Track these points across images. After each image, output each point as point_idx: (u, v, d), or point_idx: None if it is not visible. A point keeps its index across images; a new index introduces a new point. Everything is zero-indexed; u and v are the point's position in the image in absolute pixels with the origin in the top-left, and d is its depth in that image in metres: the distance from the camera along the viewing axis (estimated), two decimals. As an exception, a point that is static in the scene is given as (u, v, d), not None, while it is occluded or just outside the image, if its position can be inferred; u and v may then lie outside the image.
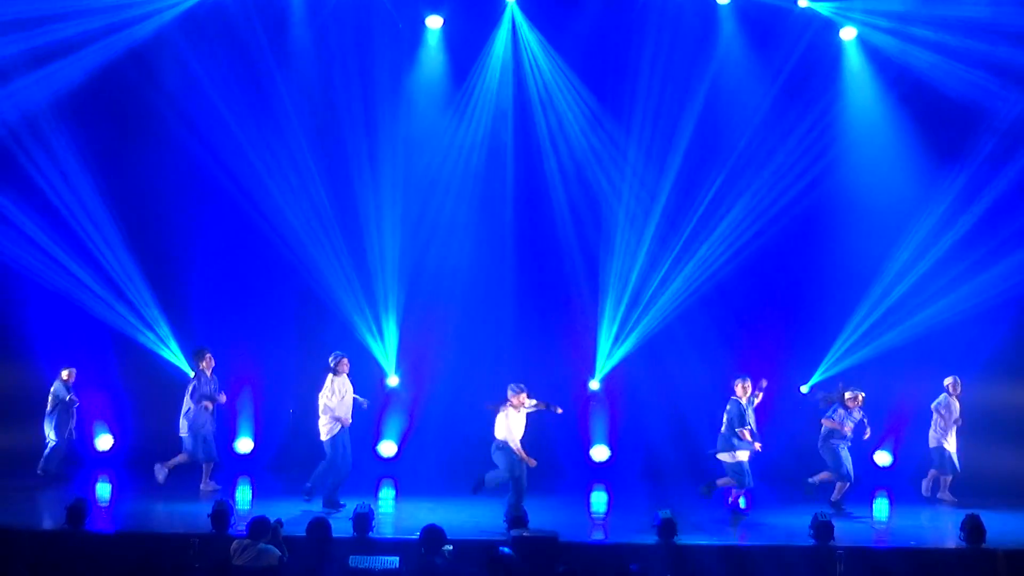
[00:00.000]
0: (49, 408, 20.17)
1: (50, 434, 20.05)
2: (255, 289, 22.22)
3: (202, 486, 19.11)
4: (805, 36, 21.86)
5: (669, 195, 22.09)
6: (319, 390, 18.52)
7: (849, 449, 18.94)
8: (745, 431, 17.99)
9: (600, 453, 22.40)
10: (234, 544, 13.46)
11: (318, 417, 18.21)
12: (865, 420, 19.12)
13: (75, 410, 20.46)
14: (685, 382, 20.73)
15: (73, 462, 20.74)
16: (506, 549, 12.82)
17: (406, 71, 22.27)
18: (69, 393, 20.27)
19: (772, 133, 22.11)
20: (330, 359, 18.36)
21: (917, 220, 21.73)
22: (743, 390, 18.15)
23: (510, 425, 17.32)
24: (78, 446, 21.19)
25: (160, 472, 19.02)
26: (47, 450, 19.98)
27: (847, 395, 19.01)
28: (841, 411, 18.90)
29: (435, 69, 22.42)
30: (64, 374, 20.36)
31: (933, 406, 19.85)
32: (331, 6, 21.67)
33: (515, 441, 17.29)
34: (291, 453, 21.54)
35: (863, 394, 19.09)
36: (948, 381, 19.87)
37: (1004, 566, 14.66)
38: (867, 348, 21.65)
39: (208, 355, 19.60)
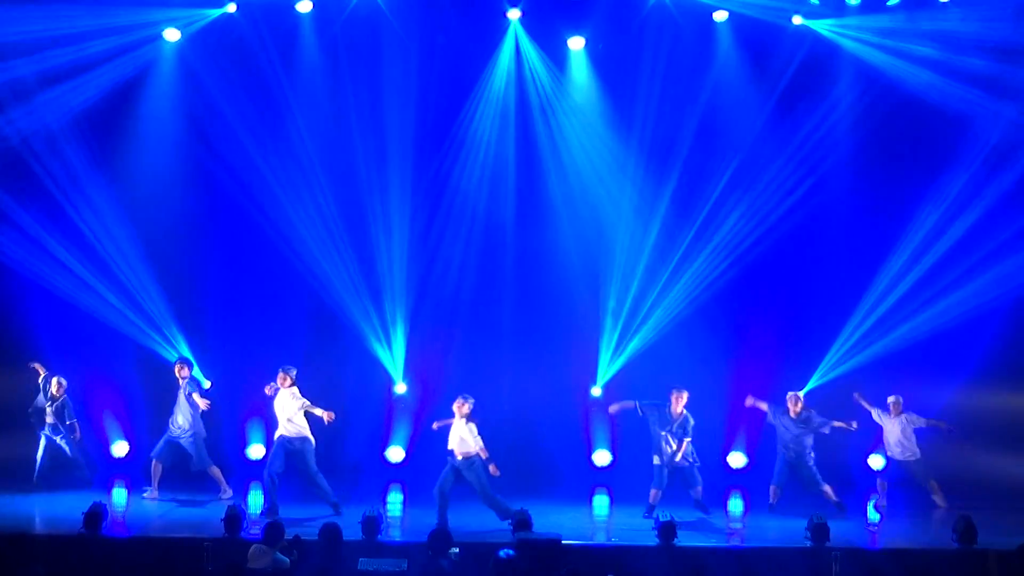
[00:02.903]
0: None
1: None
2: (266, 298, 22.39)
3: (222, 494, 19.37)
4: (799, 51, 22.04)
5: (668, 206, 22.25)
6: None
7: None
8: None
9: (602, 458, 22.56)
10: (252, 548, 13.73)
11: (289, 424, 18.50)
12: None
13: (64, 422, 20.20)
14: (685, 387, 20.96)
15: (61, 469, 20.43)
16: (508, 551, 13.07)
17: (412, 86, 22.35)
18: (51, 407, 20.10)
19: (767, 144, 22.25)
20: (293, 372, 18.68)
21: (909, 229, 21.82)
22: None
23: (467, 435, 17.74)
24: (93, 453, 21.49)
25: (226, 493, 19.42)
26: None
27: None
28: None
29: (440, 84, 22.57)
30: (53, 383, 20.27)
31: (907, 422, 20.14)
32: (339, 24, 21.83)
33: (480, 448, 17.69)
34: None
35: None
36: (891, 400, 20.11)
37: (995, 566, 14.91)
38: (861, 354, 21.76)
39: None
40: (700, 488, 18.76)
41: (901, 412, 19.97)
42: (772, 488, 19.41)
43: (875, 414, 20.17)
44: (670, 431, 18.71)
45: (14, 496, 19.05)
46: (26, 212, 21.44)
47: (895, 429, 19.97)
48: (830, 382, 21.43)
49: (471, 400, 18.01)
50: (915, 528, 18.27)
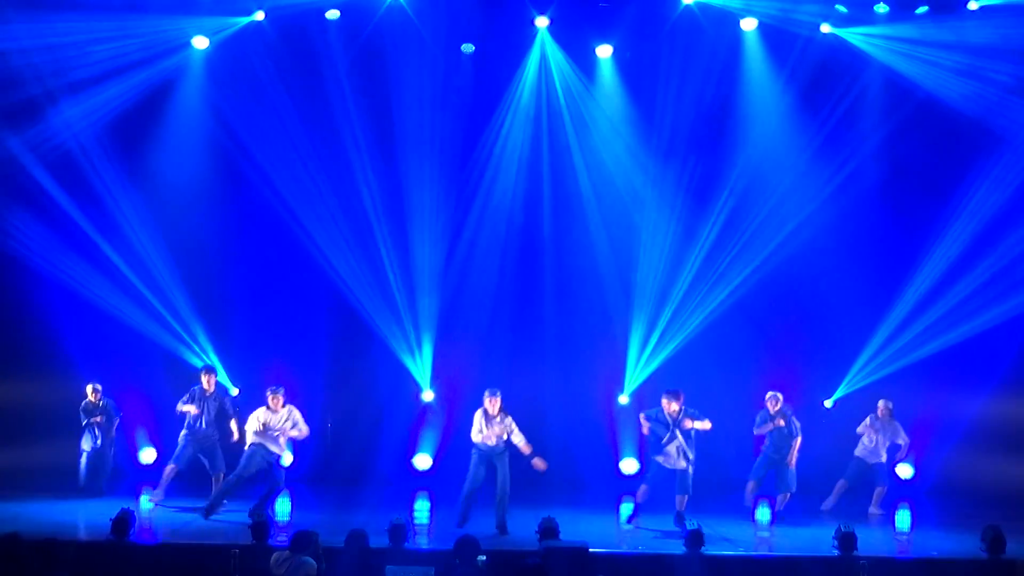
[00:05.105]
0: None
1: (85, 446, 20.43)
2: (294, 305, 22.54)
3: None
4: (827, 59, 22.03)
5: (695, 212, 22.35)
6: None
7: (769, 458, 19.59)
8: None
9: (629, 466, 22.58)
10: (274, 556, 13.70)
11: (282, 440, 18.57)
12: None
13: (102, 425, 20.45)
14: (712, 396, 20.85)
15: (104, 476, 20.61)
16: (535, 559, 13.05)
17: (440, 95, 22.44)
18: (92, 412, 20.43)
19: (795, 150, 22.36)
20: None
21: (938, 236, 21.83)
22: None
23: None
24: (121, 460, 21.55)
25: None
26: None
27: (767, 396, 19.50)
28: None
29: (470, 93, 22.66)
30: (88, 390, 20.53)
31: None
32: (368, 32, 21.88)
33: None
34: (329, 466, 21.86)
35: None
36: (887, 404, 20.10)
37: (1024, 577, 14.94)
38: (890, 362, 21.75)
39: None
40: (685, 498, 18.43)
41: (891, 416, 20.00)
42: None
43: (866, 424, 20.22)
44: (678, 429, 18.44)
45: (46, 502, 19.13)
46: (56, 219, 21.62)
47: (889, 431, 19.94)
48: (860, 390, 21.39)
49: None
50: (943, 538, 18.16)
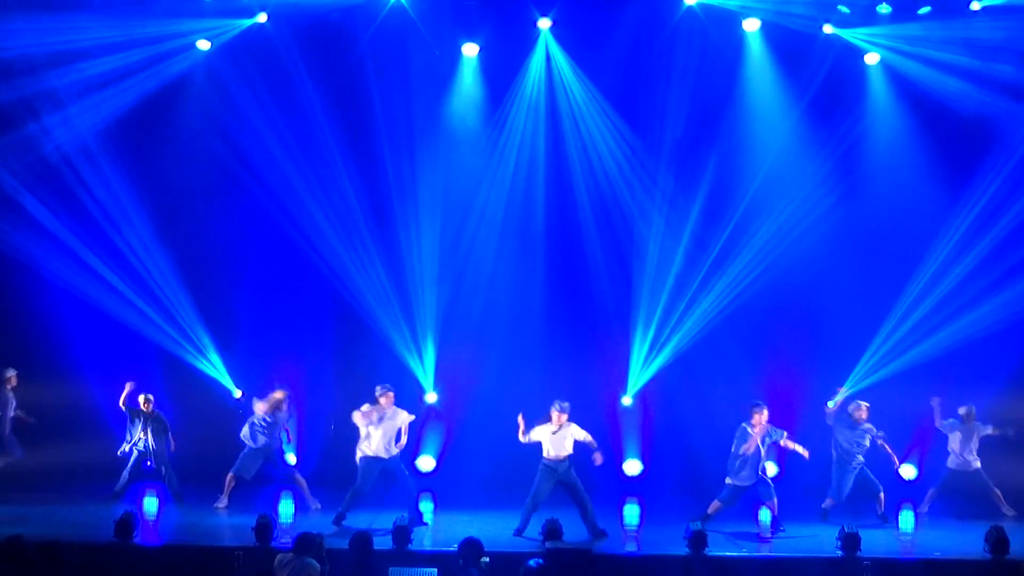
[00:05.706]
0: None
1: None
2: (297, 308, 22.59)
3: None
4: (830, 61, 22.03)
5: (698, 215, 22.28)
6: (359, 406, 18.81)
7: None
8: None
9: (633, 467, 22.56)
10: (278, 558, 13.69)
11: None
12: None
13: (136, 428, 20.33)
14: (715, 397, 20.87)
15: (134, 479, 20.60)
16: (538, 560, 13.04)
17: (443, 96, 22.56)
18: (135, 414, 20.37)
19: (798, 152, 22.36)
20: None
21: (940, 238, 21.76)
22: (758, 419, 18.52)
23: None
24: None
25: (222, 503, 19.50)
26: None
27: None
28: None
29: (471, 94, 22.69)
30: (140, 400, 20.36)
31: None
32: (370, 34, 21.88)
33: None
34: (333, 468, 21.83)
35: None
36: (964, 410, 20.16)
37: (1028, 577, 14.90)
38: (892, 364, 21.60)
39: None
40: (773, 501, 18.58)
41: (975, 421, 19.99)
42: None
43: (944, 424, 20.24)
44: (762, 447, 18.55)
45: (50, 504, 19.14)
46: (60, 222, 21.65)
47: (969, 438, 19.97)
48: (862, 390, 21.32)
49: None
50: (946, 538, 18.14)
